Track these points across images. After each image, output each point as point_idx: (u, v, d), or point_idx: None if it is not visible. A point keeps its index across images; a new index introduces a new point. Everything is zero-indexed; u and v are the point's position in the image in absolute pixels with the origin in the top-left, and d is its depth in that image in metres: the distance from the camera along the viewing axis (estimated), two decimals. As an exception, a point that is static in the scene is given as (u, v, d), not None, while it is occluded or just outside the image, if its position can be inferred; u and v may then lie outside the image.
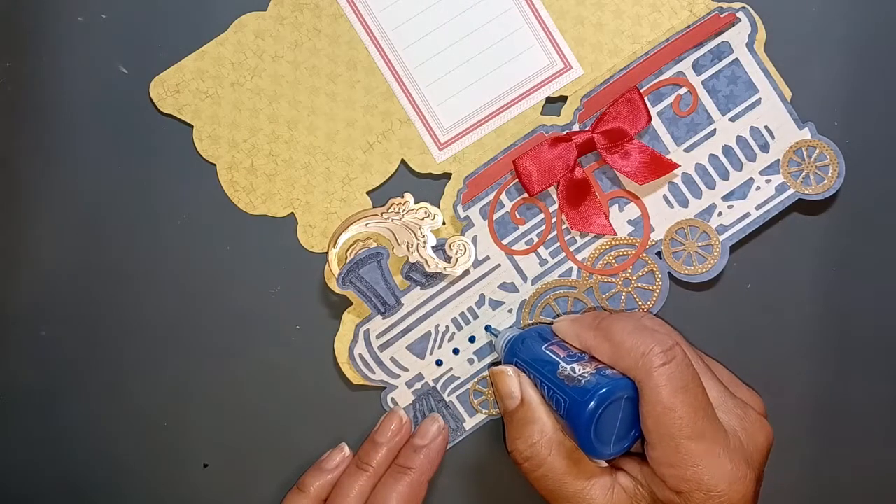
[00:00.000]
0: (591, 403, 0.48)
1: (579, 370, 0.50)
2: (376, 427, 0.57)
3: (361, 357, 0.57)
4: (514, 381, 0.52)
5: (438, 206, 0.56)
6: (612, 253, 0.56)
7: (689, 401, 0.48)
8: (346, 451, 0.57)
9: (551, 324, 0.55)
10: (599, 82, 0.56)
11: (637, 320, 0.51)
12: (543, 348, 0.52)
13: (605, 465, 0.51)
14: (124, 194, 0.58)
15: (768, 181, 0.56)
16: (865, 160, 0.56)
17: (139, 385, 0.58)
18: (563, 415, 0.49)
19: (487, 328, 0.56)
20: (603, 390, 0.48)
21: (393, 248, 0.56)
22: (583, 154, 0.55)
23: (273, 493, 0.58)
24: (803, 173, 0.55)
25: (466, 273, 0.56)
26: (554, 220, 0.56)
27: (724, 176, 0.56)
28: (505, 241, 0.56)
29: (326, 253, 0.56)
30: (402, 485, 0.54)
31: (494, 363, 0.56)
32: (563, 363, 0.51)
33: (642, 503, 0.50)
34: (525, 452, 0.51)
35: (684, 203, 0.56)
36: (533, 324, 0.56)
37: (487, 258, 0.57)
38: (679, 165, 0.55)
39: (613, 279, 0.56)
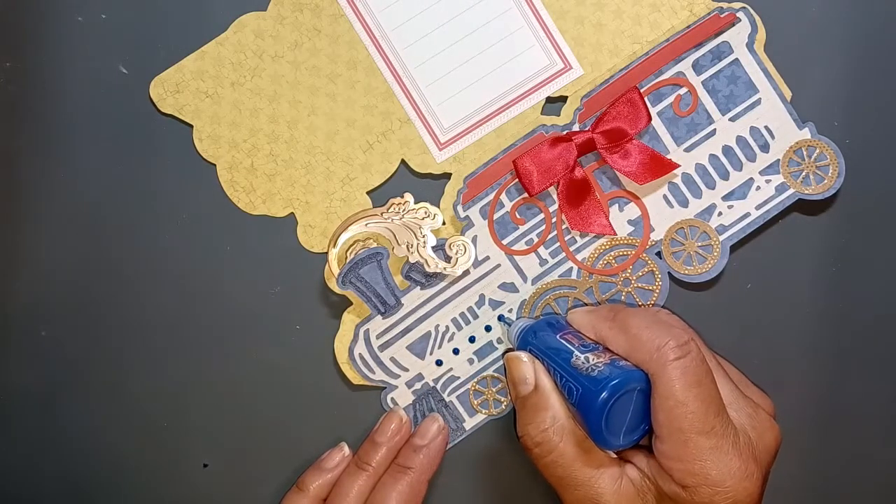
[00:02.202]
0: (604, 393, 0.48)
1: (593, 360, 0.50)
2: (376, 427, 0.57)
3: (361, 357, 0.57)
4: (529, 367, 0.52)
5: (438, 206, 0.56)
6: (611, 253, 0.56)
7: (702, 396, 0.48)
8: (346, 450, 0.57)
9: (564, 314, 0.55)
10: (599, 82, 0.56)
11: (654, 314, 0.52)
12: (557, 337, 0.53)
13: (615, 456, 0.51)
14: (124, 194, 0.58)
15: (768, 181, 0.56)
16: (865, 160, 0.56)
17: (139, 385, 0.58)
18: (574, 403, 0.50)
19: (500, 318, 0.57)
20: (615, 381, 0.48)
21: (393, 248, 0.56)
22: (583, 154, 0.55)
23: (273, 493, 0.58)
24: (803, 173, 0.55)
25: (466, 273, 0.56)
26: (554, 220, 0.56)
27: (724, 176, 0.56)
28: (505, 241, 0.56)
29: (326, 253, 0.56)
30: (401, 484, 0.54)
31: (507, 351, 0.56)
32: (577, 352, 0.51)
33: (649, 496, 0.50)
34: (536, 438, 0.51)
35: (684, 203, 0.56)
36: (546, 314, 0.56)
37: (487, 258, 0.57)
38: (679, 165, 0.55)
39: (613, 279, 0.56)
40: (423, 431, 0.56)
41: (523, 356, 0.53)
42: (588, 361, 0.50)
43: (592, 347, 0.51)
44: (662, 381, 0.48)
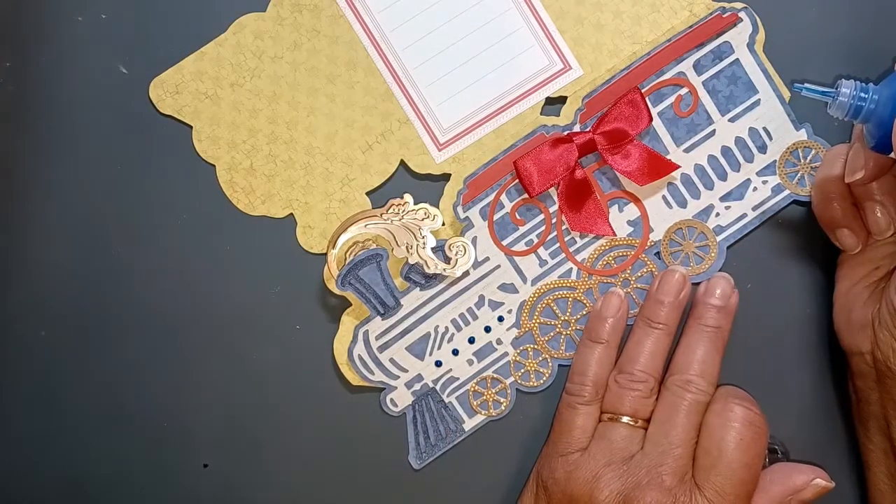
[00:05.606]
0: None
1: None
2: (656, 285, 0.55)
3: (360, 358, 0.57)
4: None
5: (438, 207, 0.56)
6: (611, 253, 0.56)
7: None
8: (621, 293, 0.56)
9: None
10: (599, 83, 0.56)
11: None
12: None
13: None
14: (124, 194, 0.58)
15: (765, 182, 0.56)
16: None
17: (139, 385, 0.58)
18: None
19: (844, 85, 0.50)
20: None
21: (392, 250, 0.55)
22: (584, 155, 0.55)
23: (273, 494, 0.58)
24: (799, 174, 0.55)
25: (466, 274, 0.56)
26: (554, 220, 0.56)
27: (723, 177, 0.56)
28: (505, 242, 0.56)
29: (326, 254, 0.56)
30: (717, 343, 0.54)
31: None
32: None
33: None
34: None
35: (683, 204, 0.56)
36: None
37: (487, 259, 0.57)
38: (679, 167, 0.55)
39: (613, 280, 0.56)
40: (721, 293, 0.55)
41: None
42: None
43: None
44: None
